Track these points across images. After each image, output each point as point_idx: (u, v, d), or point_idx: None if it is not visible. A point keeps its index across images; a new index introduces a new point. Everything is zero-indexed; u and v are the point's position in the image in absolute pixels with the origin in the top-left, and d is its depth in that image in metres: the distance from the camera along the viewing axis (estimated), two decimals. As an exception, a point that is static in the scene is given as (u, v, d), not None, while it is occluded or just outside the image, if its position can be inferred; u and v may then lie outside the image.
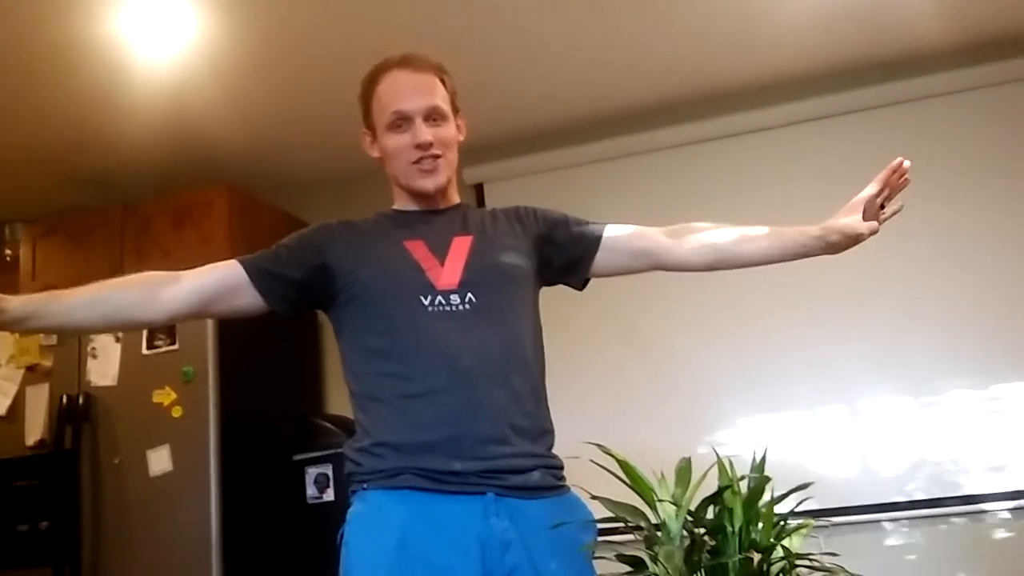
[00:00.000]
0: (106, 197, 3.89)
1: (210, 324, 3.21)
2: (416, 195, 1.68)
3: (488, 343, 1.54)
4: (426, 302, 1.53)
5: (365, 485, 1.51)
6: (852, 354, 3.26)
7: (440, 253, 1.60)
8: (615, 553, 2.20)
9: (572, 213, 1.80)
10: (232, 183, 3.65)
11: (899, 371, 3.21)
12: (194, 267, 3.40)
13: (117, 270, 3.56)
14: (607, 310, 3.55)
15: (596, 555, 2.26)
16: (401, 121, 1.61)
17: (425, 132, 1.60)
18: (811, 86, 3.49)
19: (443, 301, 1.54)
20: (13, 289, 3.67)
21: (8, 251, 4.00)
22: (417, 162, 1.62)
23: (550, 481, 1.55)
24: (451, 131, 1.66)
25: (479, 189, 3.84)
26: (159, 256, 3.53)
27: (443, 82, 1.67)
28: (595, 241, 1.71)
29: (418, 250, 1.60)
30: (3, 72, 2.95)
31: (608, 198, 3.67)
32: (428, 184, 1.64)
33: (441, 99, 1.64)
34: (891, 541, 3.10)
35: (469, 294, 1.55)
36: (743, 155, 3.56)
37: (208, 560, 3.00)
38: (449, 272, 1.57)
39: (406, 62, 1.65)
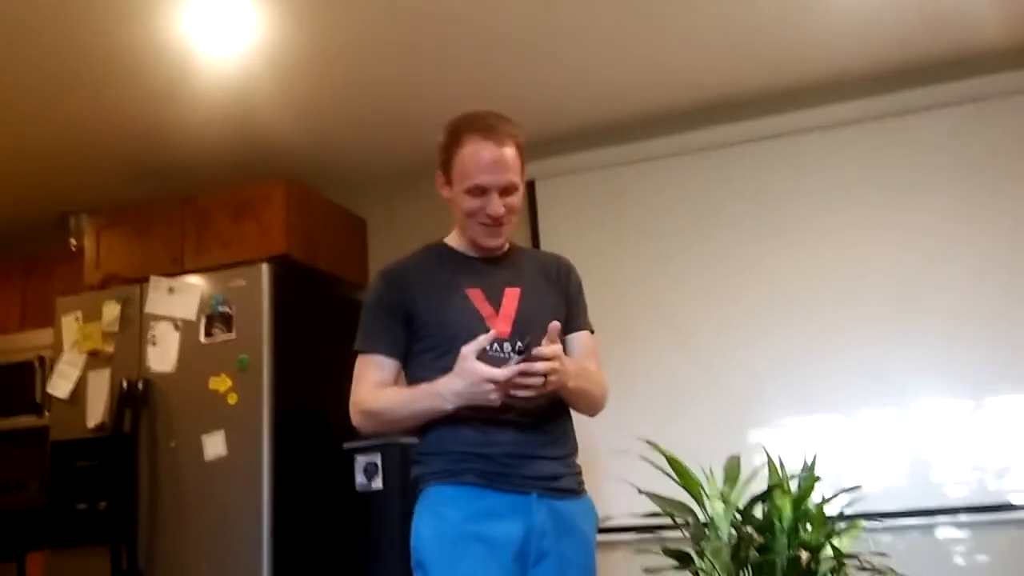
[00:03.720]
0: (167, 190, 3.99)
1: (266, 314, 3.28)
2: (477, 246, 1.92)
3: None
4: (482, 340, 1.77)
5: (431, 482, 1.82)
6: (906, 355, 3.21)
7: (495, 302, 1.87)
8: (662, 547, 2.22)
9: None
10: (290, 177, 3.73)
11: (954, 374, 3.15)
12: (251, 258, 3.52)
13: (177, 260, 3.66)
14: (659, 309, 3.55)
15: (644, 549, 2.29)
16: (479, 191, 1.82)
17: (498, 206, 1.83)
18: (866, 86, 3.44)
19: (498, 348, 1.80)
20: (77, 276, 3.83)
21: (73, 241, 4.12)
22: (485, 224, 1.86)
23: (574, 486, 1.89)
24: (519, 198, 1.88)
25: (530, 186, 3.86)
26: (218, 248, 3.62)
27: (518, 148, 1.86)
28: (575, 328, 2.00)
29: (478, 299, 1.87)
30: (73, 73, 3.04)
31: (659, 196, 3.68)
32: (492, 244, 1.91)
33: (515, 172, 1.85)
34: (943, 545, 3.04)
35: (518, 344, 1.79)
36: (786, 155, 3.52)
37: (260, 542, 3.07)
38: (503, 321, 1.85)
39: (490, 132, 1.81)
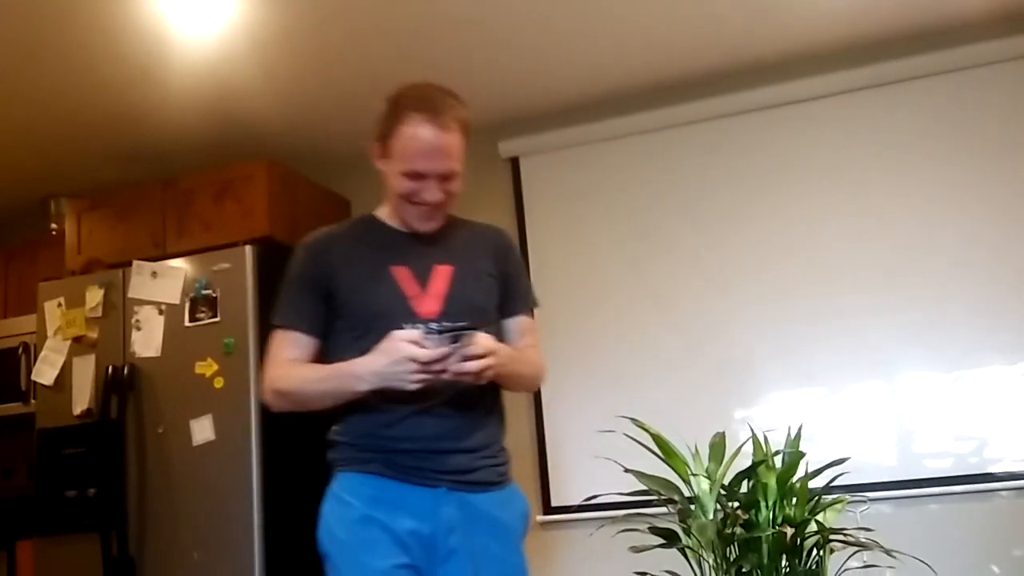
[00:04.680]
0: (148, 172, 3.95)
1: (250, 296, 3.26)
2: (409, 225, 1.80)
3: None
4: (406, 327, 1.66)
5: (340, 468, 1.76)
6: (890, 328, 3.23)
7: (423, 280, 1.75)
8: (648, 526, 2.23)
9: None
10: (272, 158, 3.69)
11: (938, 345, 3.17)
12: (234, 240, 3.49)
13: (159, 244, 3.64)
14: (644, 285, 3.55)
15: (629, 527, 2.30)
16: (416, 176, 1.70)
17: (436, 193, 1.71)
18: (851, 56, 3.43)
19: (421, 327, 1.67)
20: (59, 261, 3.80)
21: (54, 225, 4.08)
22: (417, 205, 1.73)
23: (492, 477, 1.75)
24: (458, 183, 1.74)
25: (515, 162, 3.84)
26: (200, 230, 3.59)
27: (462, 130, 1.72)
28: (513, 311, 1.88)
29: (403, 277, 1.75)
30: (49, 52, 3.00)
31: (644, 170, 3.66)
32: (425, 227, 1.78)
33: (456, 159, 1.71)
34: (928, 517, 3.07)
35: (437, 324, 1.69)
36: (773, 129, 3.51)
37: (250, 525, 3.08)
38: (431, 301, 1.73)
39: (434, 114, 1.68)
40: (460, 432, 1.71)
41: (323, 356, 1.80)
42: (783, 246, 3.42)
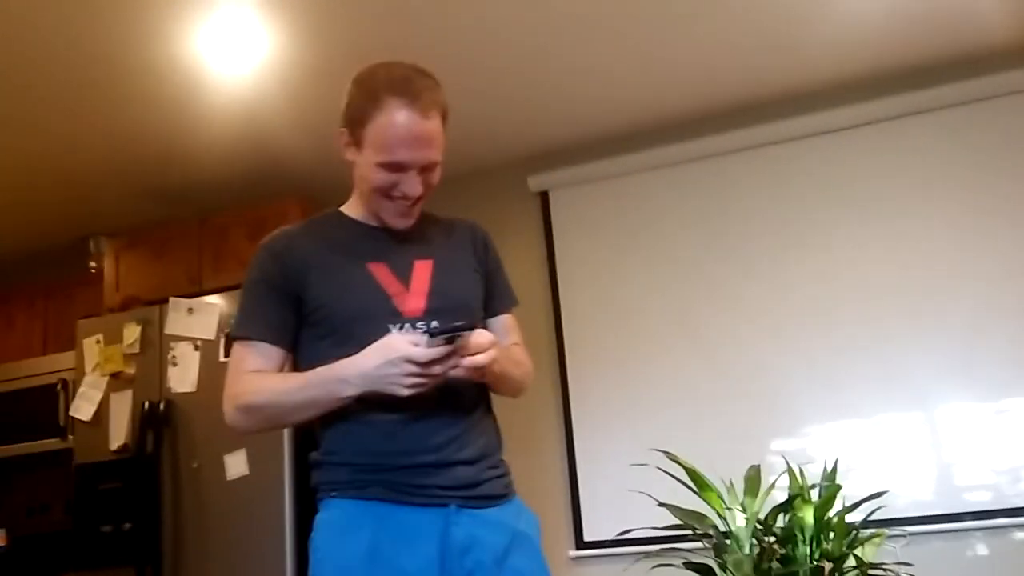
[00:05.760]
0: (184, 210, 4.02)
1: (283, 332, 3.29)
2: (381, 220, 1.66)
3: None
4: (394, 329, 1.55)
5: (333, 493, 1.58)
6: (927, 359, 3.19)
7: (404, 277, 1.61)
8: (683, 561, 2.20)
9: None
10: (304, 195, 3.75)
11: (976, 377, 3.13)
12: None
13: (195, 279, 3.69)
14: (677, 319, 3.54)
15: (664, 563, 2.27)
16: (395, 168, 1.55)
17: (417, 185, 1.56)
18: (884, 85, 3.43)
19: (410, 328, 1.55)
20: (98, 299, 3.87)
21: (93, 263, 4.16)
22: (395, 200, 1.59)
23: (499, 490, 1.62)
24: (438, 174, 1.60)
25: (544, 197, 3.86)
26: (235, 266, 3.64)
27: (443, 116, 1.59)
28: (497, 309, 1.76)
29: (382, 275, 1.60)
30: (87, 93, 3.08)
31: (674, 202, 3.67)
32: (401, 224, 1.63)
33: (438, 148, 1.57)
34: (969, 551, 3.01)
35: (433, 322, 1.56)
36: (805, 159, 3.51)
37: (282, 560, 3.09)
38: (415, 298, 1.59)
39: (415, 99, 1.53)
40: (462, 440, 1.56)
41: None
42: (816, 276, 3.40)
